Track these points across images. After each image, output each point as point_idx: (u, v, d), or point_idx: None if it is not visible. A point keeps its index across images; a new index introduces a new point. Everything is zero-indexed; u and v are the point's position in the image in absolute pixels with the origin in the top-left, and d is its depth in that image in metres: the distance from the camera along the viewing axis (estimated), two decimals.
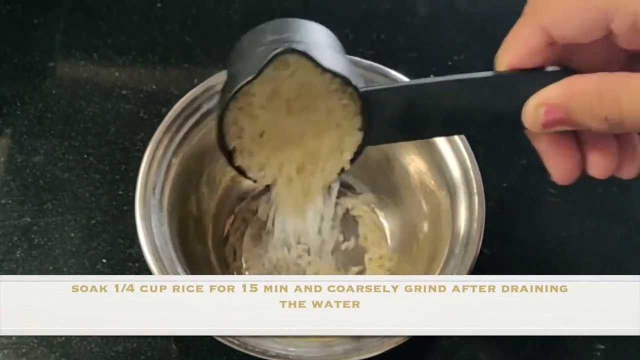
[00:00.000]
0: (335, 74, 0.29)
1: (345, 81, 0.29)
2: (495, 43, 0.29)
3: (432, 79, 0.30)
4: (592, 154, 0.29)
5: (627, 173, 0.29)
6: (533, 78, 0.28)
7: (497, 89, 0.29)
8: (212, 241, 0.42)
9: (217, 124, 0.31)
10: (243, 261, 0.42)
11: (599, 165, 0.29)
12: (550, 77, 0.27)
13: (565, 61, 0.28)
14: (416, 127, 0.31)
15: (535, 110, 0.27)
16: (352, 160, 0.33)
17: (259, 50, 0.29)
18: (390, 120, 0.30)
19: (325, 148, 0.33)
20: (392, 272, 0.42)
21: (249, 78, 0.28)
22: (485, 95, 0.29)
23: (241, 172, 0.33)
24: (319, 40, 0.30)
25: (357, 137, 0.32)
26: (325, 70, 0.29)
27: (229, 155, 0.33)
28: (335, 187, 0.38)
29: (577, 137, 0.29)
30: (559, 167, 0.29)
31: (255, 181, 0.34)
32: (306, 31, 0.30)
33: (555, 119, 0.27)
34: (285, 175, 0.34)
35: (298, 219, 0.36)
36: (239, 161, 0.33)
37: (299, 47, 0.28)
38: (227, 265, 0.42)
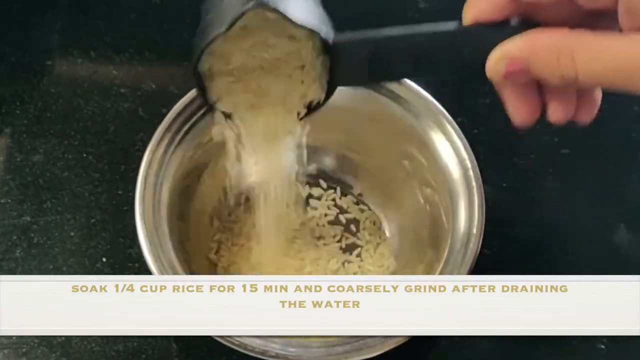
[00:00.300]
0: (305, 28, 0.30)
1: (315, 34, 0.30)
2: None
3: (398, 30, 0.31)
4: (551, 100, 0.30)
5: (584, 118, 0.31)
6: (496, 32, 0.29)
7: (462, 43, 0.30)
8: (212, 241, 0.43)
9: (192, 70, 0.33)
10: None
11: (557, 111, 0.30)
12: (512, 31, 0.28)
13: (528, 15, 0.29)
14: (382, 73, 0.33)
15: (496, 63, 0.29)
16: (315, 106, 0.34)
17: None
18: (356, 67, 0.32)
19: (283, 88, 0.34)
20: (391, 272, 0.42)
21: (220, 30, 0.29)
22: (450, 48, 0.30)
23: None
24: None
25: (318, 83, 0.33)
26: (296, 25, 0.30)
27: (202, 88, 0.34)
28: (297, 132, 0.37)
29: (538, 83, 0.30)
30: (519, 111, 0.30)
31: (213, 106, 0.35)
32: None
33: (515, 71, 0.28)
34: (244, 105, 0.35)
35: (266, 150, 0.37)
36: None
37: (271, 1, 0.29)
38: (227, 265, 0.42)
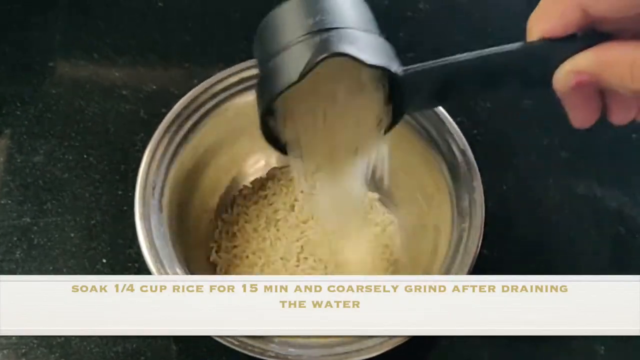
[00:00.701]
0: (377, 67, 0.29)
1: (386, 71, 0.29)
2: (493, 41, 0.30)
3: (466, 56, 0.30)
4: (614, 104, 0.29)
5: None
6: (565, 46, 0.28)
7: (530, 59, 0.30)
8: (211, 241, 0.43)
9: (260, 120, 0.31)
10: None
11: (620, 114, 0.30)
12: (581, 44, 0.28)
13: (596, 27, 0.28)
14: (448, 98, 0.32)
15: (566, 76, 0.28)
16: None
17: (296, 42, 0.29)
18: (423, 96, 0.31)
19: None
20: (394, 268, 0.42)
21: (291, 82, 0.28)
22: (517, 66, 0.30)
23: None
24: (350, 17, 0.30)
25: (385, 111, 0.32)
26: (369, 66, 0.28)
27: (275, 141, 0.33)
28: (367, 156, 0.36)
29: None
30: (579, 114, 0.30)
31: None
32: (337, 8, 0.30)
33: (584, 84, 0.28)
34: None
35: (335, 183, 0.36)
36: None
37: (341, 45, 0.28)
38: (227, 265, 0.42)
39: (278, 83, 0.29)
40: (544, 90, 0.29)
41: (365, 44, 0.29)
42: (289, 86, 0.28)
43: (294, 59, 0.28)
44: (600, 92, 0.29)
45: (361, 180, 0.35)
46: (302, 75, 0.28)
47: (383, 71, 0.29)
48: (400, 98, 0.31)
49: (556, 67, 0.28)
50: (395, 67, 0.29)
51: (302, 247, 0.42)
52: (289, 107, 0.32)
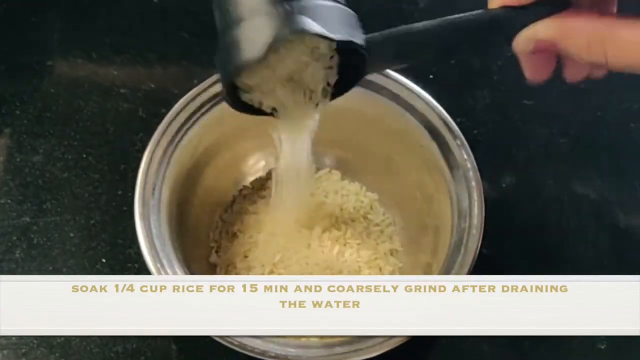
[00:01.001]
0: (344, 42, 0.29)
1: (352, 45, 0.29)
2: None
3: (424, 24, 0.31)
4: (568, 62, 0.31)
5: (598, 74, 0.31)
6: (525, 14, 0.29)
7: (490, 28, 0.30)
8: (211, 241, 0.43)
9: (227, 88, 0.31)
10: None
11: (573, 72, 0.31)
12: (540, 11, 0.29)
13: None
14: (407, 60, 0.33)
15: (525, 43, 0.29)
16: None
17: (258, 11, 0.28)
18: (383, 59, 0.32)
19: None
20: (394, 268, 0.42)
21: (253, 60, 0.28)
22: (478, 34, 0.31)
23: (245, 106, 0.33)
24: None
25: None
26: (334, 40, 0.28)
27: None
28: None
29: None
30: (535, 70, 0.31)
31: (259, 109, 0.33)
32: None
33: (542, 49, 0.29)
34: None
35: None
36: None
37: (307, 22, 0.27)
38: (226, 265, 0.42)
39: (242, 57, 0.28)
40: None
41: (329, 15, 0.28)
42: (252, 61, 0.28)
43: (257, 32, 0.28)
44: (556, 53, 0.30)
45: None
46: (266, 52, 0.27)
47: (346, 44, 0.29)
48: (357, 63, 0.31)
49: (515, 34, 0.29)
50: (360, 39, 0.29)
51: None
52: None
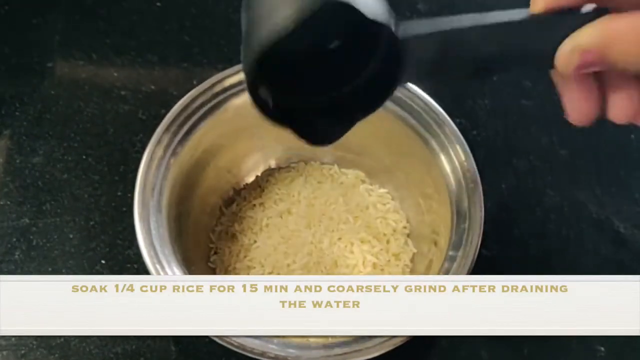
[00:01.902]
0: (379, 24, 0.25)
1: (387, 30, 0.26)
2: None
3: (467, 20, 0.27)
4: (614, 96, 0.28)
5: None
6: (568, 20, 0.26)
7: (531, 32, 0.28)
8: (211, 242, 0.42)
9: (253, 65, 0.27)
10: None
11: (618, 109, 0.28)
12: (584, 18, 0.26)
13: (600, 1, 0.27)
14: (446, 71, 0.29)
15: (570, 54, 0.26)
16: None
17: None
18: (420, 64, 0.28)
19: None
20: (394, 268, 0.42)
21: (285, 27, 0.24)
22: (519, 39, 0.28)
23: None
24: None
25: None
26: (366, 20, 0.25)
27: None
28: None
29: (599, 78, 0.28)
30: (578, 107, 0.28)
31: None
32: None
33: (589, 62, 0.26)
34: None
35: None
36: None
37: None
38: (226, 266, 0.42)
39: (270, 30, 0.24)
40: (543, 70, 0.28)
41: None
42: (283, 33, 0.24)
43: (285, 3, 0.24)
44: (599, 83, 0.28)
45: None
46: (297, 22, 0.24)
47: (378, 29, 0.25)
48: (394, 64, 0.27)
49: (559, 43, 0.26)
50: (395, 27, 0.25)
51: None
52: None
